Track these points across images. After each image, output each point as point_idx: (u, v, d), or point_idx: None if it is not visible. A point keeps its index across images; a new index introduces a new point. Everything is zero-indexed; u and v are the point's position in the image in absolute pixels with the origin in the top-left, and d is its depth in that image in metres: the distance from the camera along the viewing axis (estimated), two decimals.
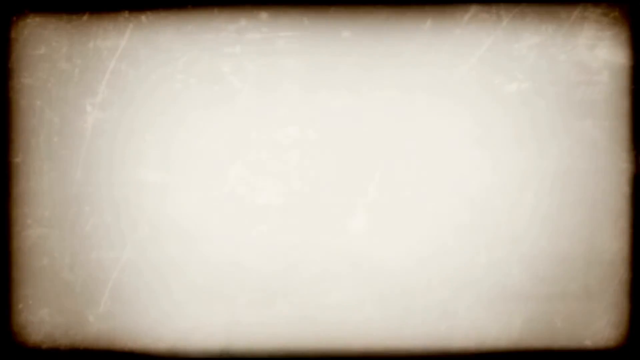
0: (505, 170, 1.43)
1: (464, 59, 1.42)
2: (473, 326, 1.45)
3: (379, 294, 1.45)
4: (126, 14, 1.43)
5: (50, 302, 1.45)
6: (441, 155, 1.43)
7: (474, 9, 1.43)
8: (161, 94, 1.43)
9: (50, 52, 1.43)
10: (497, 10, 1.43)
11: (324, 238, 1.44)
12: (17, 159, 1.44)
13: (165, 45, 1.43)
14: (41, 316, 1.45)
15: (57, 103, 1.43)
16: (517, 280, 1.44)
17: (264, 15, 1.43)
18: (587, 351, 1.45)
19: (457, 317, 1.45)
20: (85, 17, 1.43)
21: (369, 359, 1.45)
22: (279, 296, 1.45)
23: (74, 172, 1.44)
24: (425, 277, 1.44)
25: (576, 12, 1.43)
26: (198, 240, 1.44)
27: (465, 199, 1.43)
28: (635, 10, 1.43)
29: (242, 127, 1.44)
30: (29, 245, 1.44)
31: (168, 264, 1.44)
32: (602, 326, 1.45)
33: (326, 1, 1.43)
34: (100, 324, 1.45)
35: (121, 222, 1.44)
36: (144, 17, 1.43)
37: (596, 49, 1.43)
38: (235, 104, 1.43)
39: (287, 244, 1.44)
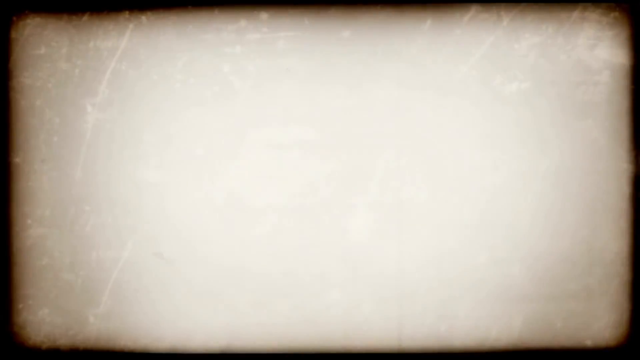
0: (505, 170, 1.43)
1: (464, 59, 1.42)
2: (473, 326, 1.45)
3: (378, 294, 1.44)
4: (126, 14, 1.43)
5: (50, 302, 1.45)
6: (441, 155, 1.43)
7: (474, 8, 1.43)
8: (161, 94, 1.43)
9: (50, 52, 1.43)
10: (498, 10, 1.43)
11: (323, 238, 1.44)
12: (17, 159, 1.44)
13: (165, 45, 1.43)
14: (41, 316, 1.45)
15: (57, 103, 1.43)
16: (518, 280, 1.44)
17: (264, 15, 1.43)
18: (587, 351, 1.45)
19: (457, 318, 1.44)
20: (85, 17, 1.43)
21: (369, 359, 1.44)
22: (279, 296, 1.45)
23: (74, 172, 1.44)
24: (425, 277, 1.44)
25: (576, 12, 1.43)
26: (198, 240, 1.44)
27: (466, 199, 1.43)
28: (635, 10, 1.43)
29: (242, 127, 1.44)
30: (29, 245, 1.44)
31: (168, 264, 1.44)
32: (603, 326, 1.45)
33: (326, 1, 1.43)
34: (100, 324, 1.45)
35: (121, 222, 1.44)
36: (144, 17, 1.43)
37: (596, 48, 1.43)
38: (235, 104, 1.43)
39: (287, 244, 1.44)
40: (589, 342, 1.45)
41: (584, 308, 1.44)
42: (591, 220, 1.43)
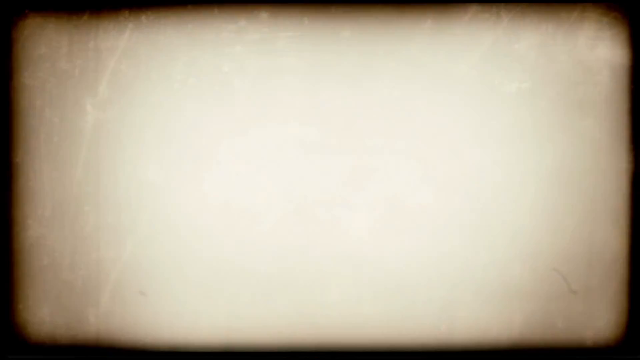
0: (505, 169, 1.43)
1: (464, 59, 1.42)
2: (473, 325, 1.45)
3: (379, 293, 1.45)
4: (126, 14, 1.43)
5: (51, 301, 1.45)
6: (441, 155, 1.43)
7: (474, 8, 1.43)
8: (161, 94, 1.43)
9: (50, 52, 1.43)
10: (498, 10, 1.43)
11: (324, 237, 1.44)
12: (17, 159, 1.44)
13: (165, 45, 1.43)
14: (41, 316, 1.45)
15: (57, 103, 1.43)
16: (518, 279, 1.44)
17: (264, 15, 1.43)
18: (587, 350, 1.45)
19: (457, 316, 1.45)
20: (85, 17, 1.43)
21: (369, 357, 1.45)
22: (279, 295, 1.45)
23: (74, 172, 1.43)
24: (425, 276, 1.44)
25: (576, 11, 1.43)
26: (198, 239, 1.44)
27: (466, 198, 1.43)
28: (635, 10, 1.43)
29: (242, 127, 1.44)
30: (29, 245, 1.44)
31: (168, 264, 1.44)
32: (602, 325, 1.45)
33: (326, 1, 1.43)
34: (100, 324, 1.45)
35: (121, 222, 1.44)
36: (144, 17, 1.43)
37: (596, 48, 1.43)
38: (235, 103, 1.43)
39: (287, 243, 1.44)
40: (589, 342, 1.45)
41: (584, 307, 1.45)
42: (591, 220, 1.43)
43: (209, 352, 1.45)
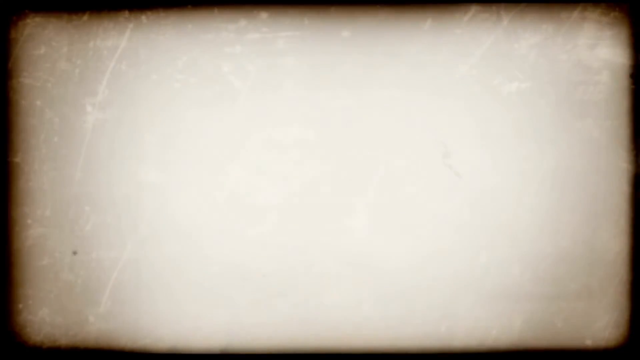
0: (505, 170, 1.43)
1: (464, 59, 1.42)
2: (473, 326, 1.45)
3: (378, 294, 1.44)
4: (126, 14, 1.43)
5: (50, 302, 1.45)
6: (441, 155, 1.43)
7: (474, 8, 1.43)
8: (161, 94, 1.43)
9: (50, 52, 1.43)
10: (498, 10, 1.43)
11: (323, 238, 1.44)
12: (17, 158, 1.44)
13: (165, 45, 1.43)
14: (41, 316, 1.45)
15: (57, 103, 1.43)
16: (518, 280, 1.44)
17: (264, 15, 1.43)
18: (587, 351, 1.45)
19: (457, 317, 1.45)
20: (85, 17, 1.43)
21: (369, 359, 1.44)
22: (279, 296, 1.45)
23: (74, 172, 1.44)
24: (425, 277, 1.44)
25: (576, 11, 1.43)
26: (198, 240, 1.44)
27: (466, 199, 1.43)
28: (635, 10, 1.43)
29: (242, 127, 1.44)
30: (29, 245, 1.44)
31: (168, 264, 1.44)
32: (603, 326, 1.45)
33: (326, 1, 1.43)
34: (101, 324, 1.45)
35: (121, 222, 1.44)
36: (144, 17, 1.43)
37: (596, 48, 1.43)
38: (235, 104, 1.43)
39: (287, 243, 1.44)
40: (589, 342, 1.45)
41: (584, 308, 1.44)
42: (591, 220, 1.43)
43: (209, 354, 1.45)
